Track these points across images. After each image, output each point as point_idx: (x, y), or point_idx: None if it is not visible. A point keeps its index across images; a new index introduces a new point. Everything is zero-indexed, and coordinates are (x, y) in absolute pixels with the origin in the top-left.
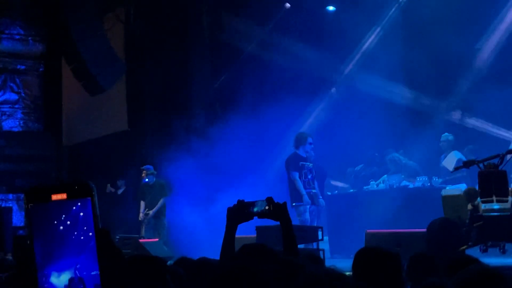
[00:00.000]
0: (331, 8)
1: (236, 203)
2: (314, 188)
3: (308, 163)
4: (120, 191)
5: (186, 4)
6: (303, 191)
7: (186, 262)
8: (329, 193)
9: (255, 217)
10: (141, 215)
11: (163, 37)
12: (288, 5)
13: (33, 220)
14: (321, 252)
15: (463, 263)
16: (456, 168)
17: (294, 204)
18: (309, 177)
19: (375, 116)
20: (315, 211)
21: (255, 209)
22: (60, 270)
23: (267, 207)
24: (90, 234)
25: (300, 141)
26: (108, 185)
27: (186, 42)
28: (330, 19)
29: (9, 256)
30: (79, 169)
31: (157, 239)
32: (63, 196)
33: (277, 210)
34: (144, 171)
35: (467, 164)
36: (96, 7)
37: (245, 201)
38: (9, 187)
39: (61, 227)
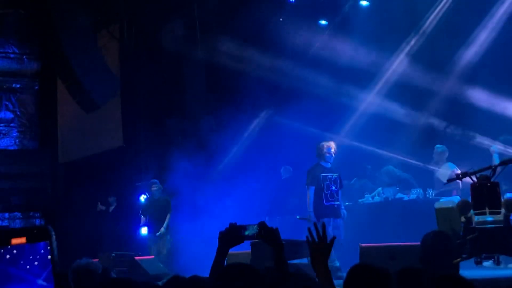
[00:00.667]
0: (323, 22)
1: (228, 226)
2: (337, 200)
3: (332, 174)
4: (111, 209)
5: (180, 19)
6: (311, 208)
7: (178, 280)
8: None
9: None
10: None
11: (157, 53)
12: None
13: None
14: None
15: (451, 281)
16: (450, 180)
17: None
18: (332, 188)
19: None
20: (341, 225)
21: (246, 233)
22: None
23: (257, 232)
24: (49, 277)
25: (320, 150)
26: (99, 203)
27: (180, 57)
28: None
29: None
30: (75, 186)
31: (152, 256)
32: (23, 240)
33: (269, 235)
34: (154, 185)
35: (460, 176)
36: (89, 25)
37: (237, 224)
38: (5, 205)
39: (21, 271)
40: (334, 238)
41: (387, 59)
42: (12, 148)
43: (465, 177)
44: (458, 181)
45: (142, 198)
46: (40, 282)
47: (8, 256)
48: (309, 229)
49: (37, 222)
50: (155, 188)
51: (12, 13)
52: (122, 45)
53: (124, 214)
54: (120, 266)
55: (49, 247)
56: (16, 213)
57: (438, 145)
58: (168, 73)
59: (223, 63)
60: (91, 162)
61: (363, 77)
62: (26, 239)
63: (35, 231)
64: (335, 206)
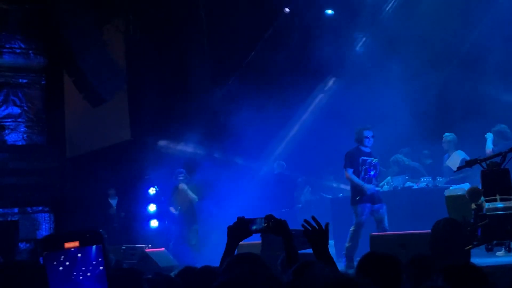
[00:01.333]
0: (329, 11)
1: (236, 220)
2: (376, 186)
3: (372, 159)
4: (114, 202)
5: (185, 13)
6: (360, 182)
7: (189, 271)
8: (329, 196)
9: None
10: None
11: (163, 46)
12: (287, 10)
13: (48, 267)
14: None
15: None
16: (459, 168)
17: (352, 205)
18: (371, 173)
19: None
20: (382, 211)
21: (254, 227)
22: None
23: (265, 225)
24: (103, 278)
25: (358, 135)
26: (122, 213)
27: (186, 50)
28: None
29: None
30: (83, 180)
31: (163, 249)
32: (76, 244)
33: (277, 227)
34: (181, 175)
35: (470, 164)
36: (94, 19)
37: (245, 218)
38: (14, 200)
39: (74, 273)
40: (327, 224)
41: None
42: (20, 143)
43: (475, 164)
44: (468, 168)
45: (152, 191)
46: (95, 283)
47: (62, 260)
48: (305, 220)
49: (46, 217)
50: (181, 178)
51: (18, 9)
52: (127, 38)
53: (133, 207)
54: (131, 259)
55: (102, 250)
56: (25, 208)
57: (447, 133)
58: (174, 66)
59: (229, 54)
60: (98, 156)
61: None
62: (79, 243)
63: (87, 235)
64: (373, 191)
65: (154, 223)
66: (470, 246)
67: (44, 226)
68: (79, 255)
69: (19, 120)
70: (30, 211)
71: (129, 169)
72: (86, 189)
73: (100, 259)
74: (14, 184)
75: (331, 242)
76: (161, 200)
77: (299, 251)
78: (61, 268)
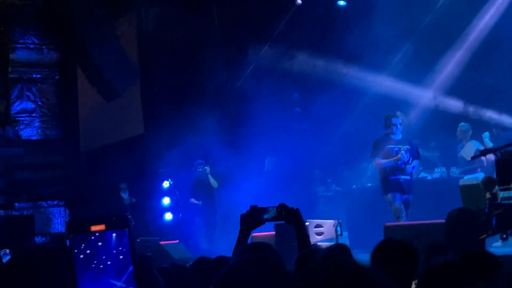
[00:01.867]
0: (341, 2)
1: (248, 209)
2: (405, 174)
3: (400, 146)
4: (126, 195)
5: (197, 6)
6: (386, 164)
7: (204, 261)
8: (338, 189)
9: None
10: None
11: (176, 40)
12: (299, 1)
13: (74, 249)
14: None
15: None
16: (474, 157)
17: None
18: (399, 162)
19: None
20: (407, 202)
21: (266, 216)
22: None
23: (278, 213)
24: (128, 261)
25: (385, 122)
26: (133, 199)
27: (198, 43)
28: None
29: None
30: (97, 174)
31: (177, 241)
32: (102, 227)
33: (290, 215)
34: (200, 166)
35: (484, 153)
36: (107, 13)
37: (258, 206)
38: (30, 195)
39: (100, 256)
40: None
41: None
42: (34, 138)
43: (489, 153)
44: (482, 158)
45: (165, 184)
46: (120, 265)
47: (89, 242)
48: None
49: (61, 211)
50: (200, 169)
51: (31, 4)
52: (140, 32)
53: (147, 200)
54: (145, 251)
55: (127, 233)
56: (40, 202)
57: (462, 123)
58: (187, 59)
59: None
60: (112, 150)
61: None
62: (105, 226)
63: (113, 218)
64: (401, 180)
65: (168, 216)
66: (484, 236)
67: (59, 220)
68: (105, 238)
69: (33, 115)
70: (45, 205)
71: (143, 162)
72: (100, 183)
73: (125, 242)
74: (29, 179)
75: (345, 233)
76: (175, 193)
77: (315, 241)
78: (87, 251)
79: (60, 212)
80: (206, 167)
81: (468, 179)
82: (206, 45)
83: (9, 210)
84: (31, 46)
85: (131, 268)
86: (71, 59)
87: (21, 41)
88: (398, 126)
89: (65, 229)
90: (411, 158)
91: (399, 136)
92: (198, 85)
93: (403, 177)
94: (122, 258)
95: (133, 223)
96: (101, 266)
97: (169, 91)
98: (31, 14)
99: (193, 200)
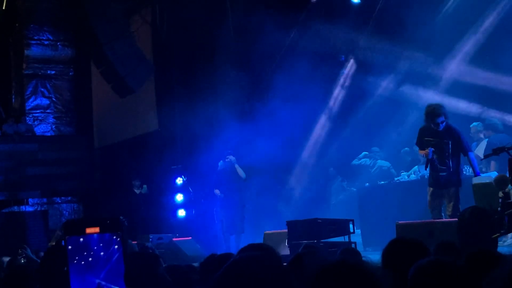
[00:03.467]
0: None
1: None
2: (441, 171)
3: (437, 140)
4: (139, 191)
5: (211, 2)
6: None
7: (213, 258)
8: (353, 189)
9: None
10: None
11: (190, 36)
12: None
13: (69, 249)
14: (353, 245)
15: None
16: (486, 156)
17: None
18: (434, 156)
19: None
20: (448, 197)
21: None
22: None
23: None
24: (120, 263)
25: (427, 111)
26: (145, 186)
27: (212, 40)
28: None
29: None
30: (111, 170)
31: (190, 238)
32: (96, 229)
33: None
34: (229, 156)
35: (496, 152)
36: (122, 10)
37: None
38: (44, 191)
39: (94, 257)
40: None
41: None
42: (48, 134)
43: (502, 152)
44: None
45: (179, 181)
46: (115, 267)
47: (83, 243)
48: None
49: (75, 206)
50: (227, 159)
51: (46, 1)
52: (154, 29)
53: (160, 197)
54: (159, 248)
55: (121, 236)
56: (53, 198)
57: (474, 123)
58: (201, 56)
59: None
60: (126, 146)
61: None
62: (100, 229)
63: (108, 221)
64: (434, 176)
65: (181, 212)
66: (497, 235)
67: (72, 215)
68: (99, 240)
69: (47, 111)
70: (59, 201)
71: (156, 159)
72: (113, 179)
73: (118, 245)
74: (43, 175)
75: (357, 231)
76: (188, 190)
77: (328, 239)
78: (81, 251)
79: (74, 208)
80: (231, 157)
81: (481, 177)
82: (221, 42)
83: (23, 206)
84: (46, 42)
85: (122, 268)
86: (85, 56)
87: (36, 38)
88: (437, 116)
89: (60, 230)
90: (448, 153)
91: (440, 128)
92: (211, 82)
93: (439, 173)
94: (115, 259)
95: (126, 223)
96: (91, 265)
97: (183, 87)
98: (46, 10)
99: (216, 191)
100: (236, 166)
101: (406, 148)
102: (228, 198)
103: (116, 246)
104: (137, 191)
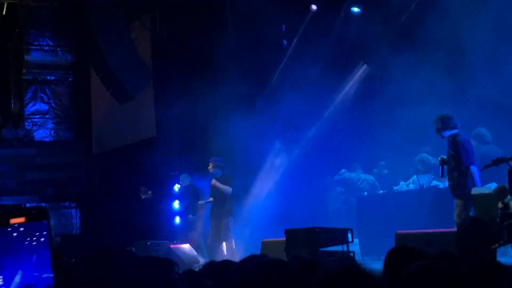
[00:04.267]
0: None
1: None
2: (449, 180)
3: (448, 150)
4: (145, 197)
5: (211, 10)
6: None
7: (212, 265)
8: (355, 199)
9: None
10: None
11: (189, 43)
12: (314, 7)
13: None
14: (351, 254)
15: (488, 267)
16: (485, 167)
17: None
18: (444, 166)
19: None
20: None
21: None
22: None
23: None
24: (46, 252)
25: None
26: (150, 192)
27: (212, 47)
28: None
29: None
30: (109, 176)
31: (187, 244)
32: (21, 220)
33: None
34: (211, 164)
35: (496, 162)
36: (122, 16)
37: None
38: (42, 196)
39: (20, 247)
40: None
41: None
42: (47, 139)
43: (501, 163)
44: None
45: (177, 187)
46: (39, 256)
47: (8, 234)
48: None
49: (73, 212)
50: (214, 166)
51: (46, 6)
52: (154, 35)
53: (158, 203)
54: (156, 254)
55: (46, 225)
56: (52, 203)
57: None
58: (200, 63)
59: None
60: (125, 152)
61: None
62: (26, 219)
63: (33, 211)
64: (445, 185)
65: (179, 219)
66: (496, 245)
67: (71, 220)
68: (24, 229)
69: (46, 116)
70: (57, 206)
71: (154, 165)
72: (112, 185)
73: (44, 233)
74: (41, 180)
75: (355, 241)
76: (183, 197)
77: (326, 248)
78: (6, 242)
79: (72, 213)
80: (213, 169)
81: (480, 188)
82: (220, 49)
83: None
84: (46, 48)
85: (49, 257)
86: (85, 61)
87: (36, 43)
88: (444, 125)
89: None
90: (454, 163)
91: (448, 138)
92: (210, 89)
93: (449, 182)
94: (41, 247)
95: (50, 212)
96: (20, 256)
97: (182, 94)
98: (46, 16)
99: (201, 202)
100: (218, 185)
101: (382, 162)
102: (212, 207)
103: (43, 235)
104: (143, 197)
